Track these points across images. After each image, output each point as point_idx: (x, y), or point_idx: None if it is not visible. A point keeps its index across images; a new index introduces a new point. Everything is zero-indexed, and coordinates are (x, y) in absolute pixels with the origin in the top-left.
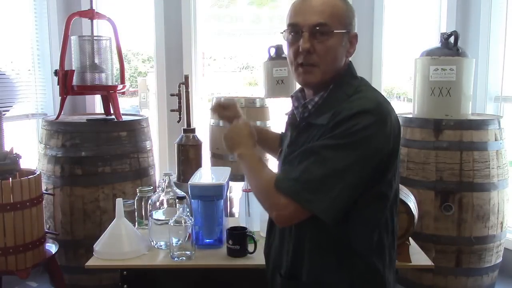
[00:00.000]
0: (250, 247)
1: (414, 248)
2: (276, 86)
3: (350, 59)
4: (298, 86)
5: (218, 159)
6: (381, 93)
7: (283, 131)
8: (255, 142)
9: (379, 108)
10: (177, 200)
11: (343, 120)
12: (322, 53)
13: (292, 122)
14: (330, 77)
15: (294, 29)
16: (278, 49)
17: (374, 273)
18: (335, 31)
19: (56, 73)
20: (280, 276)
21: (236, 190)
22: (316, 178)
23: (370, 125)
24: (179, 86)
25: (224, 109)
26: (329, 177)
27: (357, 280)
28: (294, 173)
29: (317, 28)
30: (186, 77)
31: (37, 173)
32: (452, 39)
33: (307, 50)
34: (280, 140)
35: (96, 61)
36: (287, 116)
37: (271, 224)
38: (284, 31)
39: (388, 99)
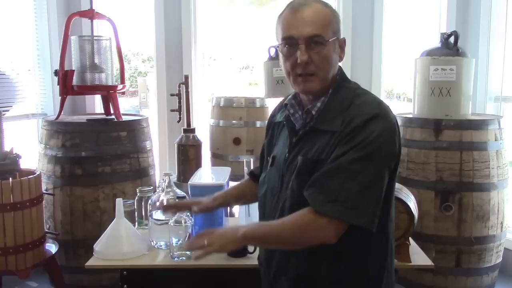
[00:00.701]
0: (250, 247)
1: (414, 248)
2: (276, 86)
3: (346, 61)
4: None
5: (218, 159)
6: (373, 94)
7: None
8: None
9: (384, 109)
10: (177, 200)
11: (358, 128)
12: (319, 62)
13: (292, 128)
14: (328, 83)
15: (290, 42)
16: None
17: (384, 262)
18: (329, 40)
19: (56, 73)
20: (287, 279)
21: None
22: (353, 194)
23: (384, 130)
24: (179, 86)
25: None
26: (365, 190)
27: (372, 273)
28: (329, 195)
29: (313, 39)
30: (186, 77)
31: (37, 173)
32: (452, 39)
33: (306, 61)
34: (250, 185)
35: (96, 61)
36: (272, 122)
37: None
38: (279, 44)
39: (388, 99)
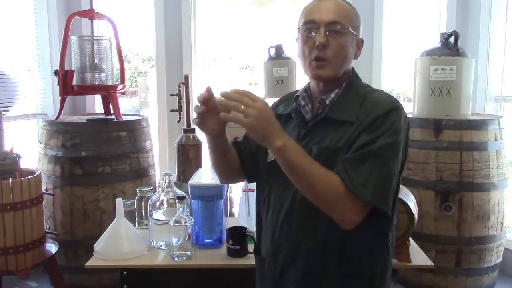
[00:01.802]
0: (250, 247)
1: (414, 248)
2: (276, 86)
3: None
4: (298, 86)
5: None
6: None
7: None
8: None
9: (399, 103)
10: (177, 200)
11: (381, 117)
12: (335, 48)
13: (302, 120)
14: (341, 74)
15: (310, 26)
16: (278, 49)
17: (387, 256)
18: (349, 28)
19: (56, 73)
20: (295, 272)
21: (236, 190)
22: (381, 180)
23: (403, 121)
24: (179, 86)
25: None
26: (389, 177)
27: (378, 265)
28: (360, 177)
29: (333, 25)
30: (186, 77)
31: (37, 173)
32: (452, 39)
33: (323, 44)
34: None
35: (96, 61)
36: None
37: (282, 222)
38: (299, 27)
39: None
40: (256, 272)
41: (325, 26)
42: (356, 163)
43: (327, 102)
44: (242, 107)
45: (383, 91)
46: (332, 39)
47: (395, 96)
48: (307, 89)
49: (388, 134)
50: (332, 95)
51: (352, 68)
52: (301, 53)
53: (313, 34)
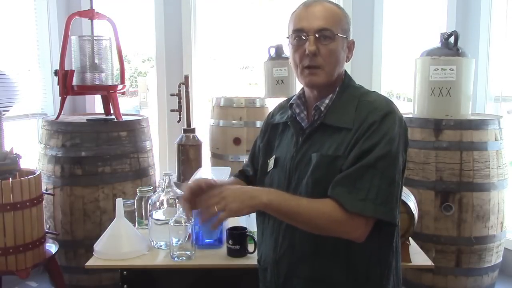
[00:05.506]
0: (250, 247)
1: (414, 248)
2: (276, 86)
3: (349, 63)
4: (298, 86)
5: (218, 159)
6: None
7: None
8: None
9: (394, 106)
10: (177, 200)
11: (376, 123)
12: (326, 55)
13: (299, 127)
14: (334, 79)
15: (300, 34)
16: (278, 49)
17: (391, 258)
18: (338, 35)
19: (56, 73)
20: (300, 280)
21: None
22: (382, 191)
23: (399, 126)
24: (179, 86)
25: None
26: (391, 186)
27: (386, 265)
28: (360, 194)
29: (322, 32)
30: (186, 77)
31: (37, 173)
32: (452, 39)
33: (313, 52)
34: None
35: (96, 61)
36: (269, 124)
37: (285, 230)
38: (289, 36)
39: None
40: (259, 280)
41: (314, 34)
42: (354, 179)
43: (322, 108)
44: (216, 207)
45: (377, 92)
46: (322, 46)
47: (395, 96)
48: (301, 95)
49: (384, 144)
50: (327, 101)
51: (345, 70)
52: (292, 61)
53: (303, 42)
